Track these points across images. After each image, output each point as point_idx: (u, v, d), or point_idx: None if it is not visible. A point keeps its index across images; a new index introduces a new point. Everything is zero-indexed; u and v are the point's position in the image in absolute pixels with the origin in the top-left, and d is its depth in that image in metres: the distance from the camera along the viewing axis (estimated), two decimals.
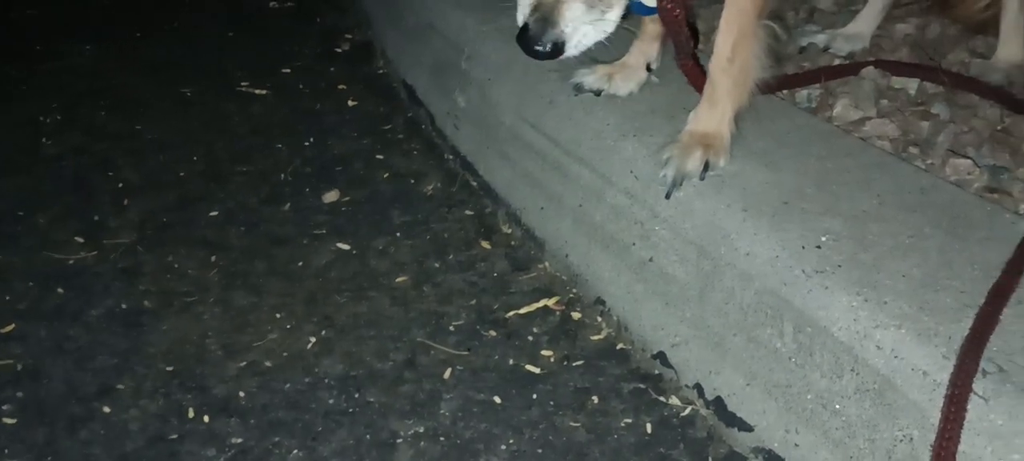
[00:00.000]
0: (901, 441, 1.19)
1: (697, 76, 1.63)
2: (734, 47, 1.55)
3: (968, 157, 1.62)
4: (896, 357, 1.21)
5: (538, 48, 1.36)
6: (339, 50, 2.67)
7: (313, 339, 1.66)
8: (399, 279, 1.81)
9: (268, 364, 1.60)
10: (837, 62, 1.97)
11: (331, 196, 2.04)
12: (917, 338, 1.20)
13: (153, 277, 1.81)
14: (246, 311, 1.73)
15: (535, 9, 1.35)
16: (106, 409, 1.52)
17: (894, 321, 1.23)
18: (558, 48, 1.36)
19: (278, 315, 1.72)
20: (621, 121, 1.72)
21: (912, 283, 1.29)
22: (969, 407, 1.11)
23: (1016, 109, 1.74)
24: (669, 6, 1.54)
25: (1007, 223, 1.41)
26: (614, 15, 1.40)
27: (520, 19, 1.38)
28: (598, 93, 1.79)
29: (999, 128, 1.72)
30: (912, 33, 2.08)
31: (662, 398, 1.52)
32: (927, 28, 2.09)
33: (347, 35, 2.73)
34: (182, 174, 2.13)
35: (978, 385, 1.13)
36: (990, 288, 1.25)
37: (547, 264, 1.82)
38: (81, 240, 1.91)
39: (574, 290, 1.75)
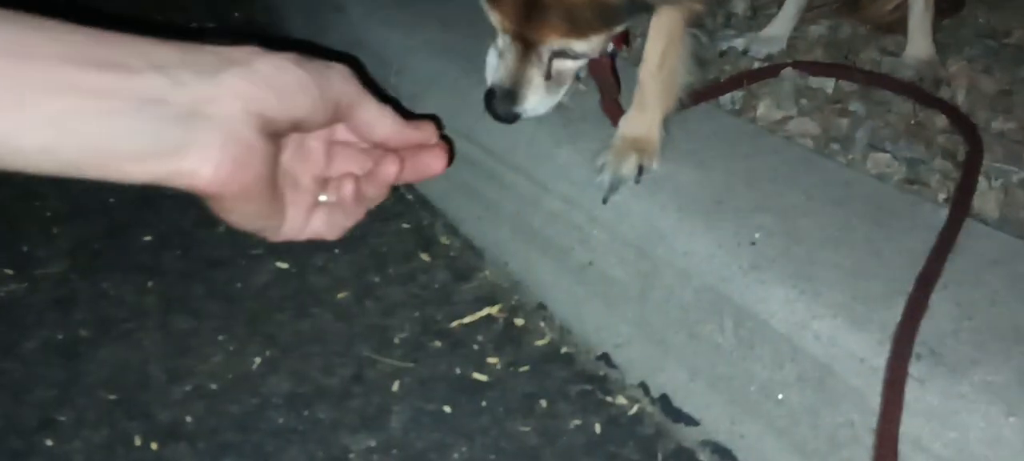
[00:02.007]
0: (842, 426, 1.24)
1: (616, 115, 1.68)
2: (663, 54, 1.60)
3: (886, 151, 1.70)
4: (833, 345, 1.26)
5: (499, 114, 1.55)
6: None
7: (258, 359, 1.65)
8: (340, 295, 1.81)
9: (213, 387, 1.59)
10: (756, 65, 2.04)
11: None
12: (852, 326, 1.26)
13: (88, 306, 1.78)
14: (187, 335, 1.71)
15: (502, 85, 1.52)
16: (48, 442, 1.49)
17: (829, 311, 1.29)
18: (516, 117, 1.55)
19: (220, 337, 1.70)
20: (554, 129, 1.75)
21: (844, 274, 1.35)
22: (906, 390, 1.17)
23: (927, 103, 1.83)
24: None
25: (928, 212, 1.48)
26: (563, 90, 1.57)
27: (488, 80, 1.55)
28: None
29: (913, 122, 1.80)
30: (825, 34, 2.17)
31: (609, 398, 1.56)
32: (839, 29, 2.18)
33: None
34: (111, 200, 2.09)
35: (913, 368, 1.19)
36: (917, 275, 1.31)
37: (488, 272, 1.84)
38: (10, 272, 1.87)
39: (516, 297, 1.78)
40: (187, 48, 0.75)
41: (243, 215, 0.83)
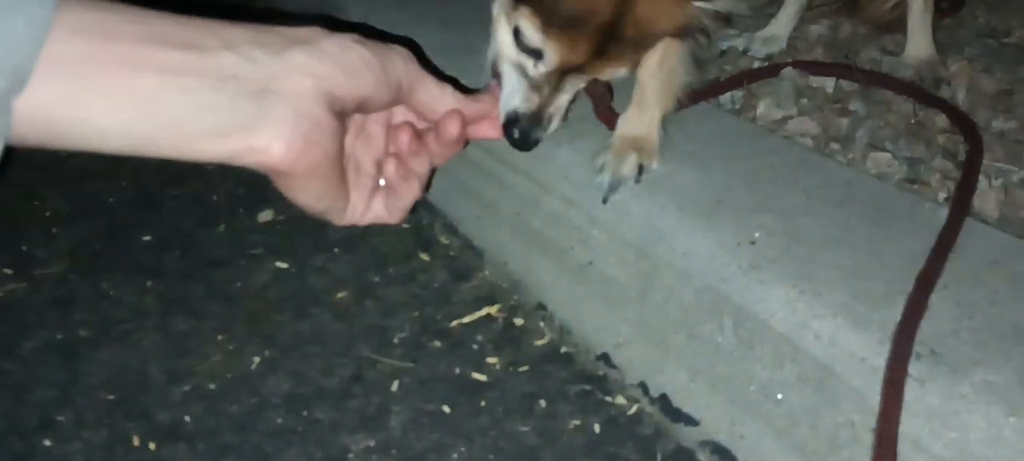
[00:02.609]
0: (843, 426, 1.24)
1: (612, 122, 1.67)
2: (662, 54, 1.60)
3: (887, 150, 1.70)
4: (834, 345, 1.26)
5: (527, 143, 1.44)
6: None
7: (257, 359, 1.65)
8: (340, 295, 1.81)
9: (212, 387, 1.59)
10: (756, 64, 2.03)
11: (266, 216, 2.04)
12: (853, 326, 1.26)
13: (88, 306, 1.78)
14: (186, 335, 1.71)
15: (530, 111, 1.43)
16: (47, 442, 1.49)
17: (830, 311, 1.29)
18: (538, 143, 1.47)
19: (219, 337, 1.70)
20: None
21: (844, 274, 1.35)
22: (906, 390, 1.17)
23: (927, 102, 1.83)
24: None
25: (928, 212, 1.48)
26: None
27: (513, 106, 1.43)
28: None
29: (913, 121, 1.80)
30: (825, 34, 2.17)
31: (608, 398, 1.56)
32: (839, 29, 2.18)
33: None
34: (111, 201, 2.09)
35: (913, 368, 1.18)
36: (917, 275, 1.31)
37: (487, 272, 1.84)
38: (10, 272, 1.87)
39: (515, 297, 1.77)
40: (256, 28, 0.77)
41: (310, 194, 0.87)
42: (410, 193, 1.00)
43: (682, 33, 1.50)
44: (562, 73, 1.43)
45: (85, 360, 1.66)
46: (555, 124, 1.50)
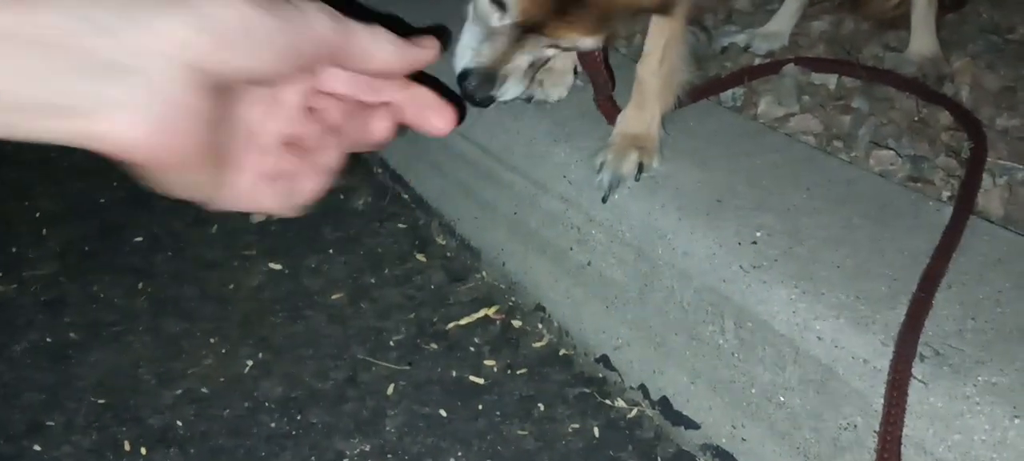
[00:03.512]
0: (845, 429, 1.22)
1: (612, 114, 1.66)
2: (663, 50, 1.57)
3: (890, 148, 1.67)
4: (836, 346, 1.23)
5: (477, 98, 1.42)
6: None
7: (250, 362, 1.63)
8: (334, 296, 1.78)
9: (205, 391, 1.57)
10: (758, 61, 2.01)
11: (259, 216, 2.01)
12: (855, 327, 1.23)
13: (78, 308, 1.76)
14: (178, 338, 1.69)
15: (482, 68, 1.40)
16: (36, 447, 1.47)
17: (832, 311, 1.26)
18: (492, 101, 1.44)
19: (212, 340, 1.68)
20: (552, 127, 1.73)
21: (846, 273, 1.32)
22: (910, 391, 1.15)
23: (931, 100, 1.80)
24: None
25: (931, 211, 1.45)
26: (509, 86, 1.46)
27: (465, 62, 1.41)
28: (528, 100, 1.79)
29: (916, 119, 1.77)
30: (827, 30, 2.14)
31: (608, 401, 1.53)
32: (841, 25, 2.15)
33: None
34: (102, 201, 2.07)
35: (917, 369, 1.16)
36: (921, 274, 1.29)
37: (484, 273, 1.82)
38: None
39: (513, 298, 1.75)
40: None
41: (174, 184, 0.67)
42: (310, 184, 0.77)
43: (661, 8, 1.46)
44: (523, 29, 1.37)
45: (75, 363, 1.63)
46: (511, 88, 1.44)
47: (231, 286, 1.82)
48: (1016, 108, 1.79)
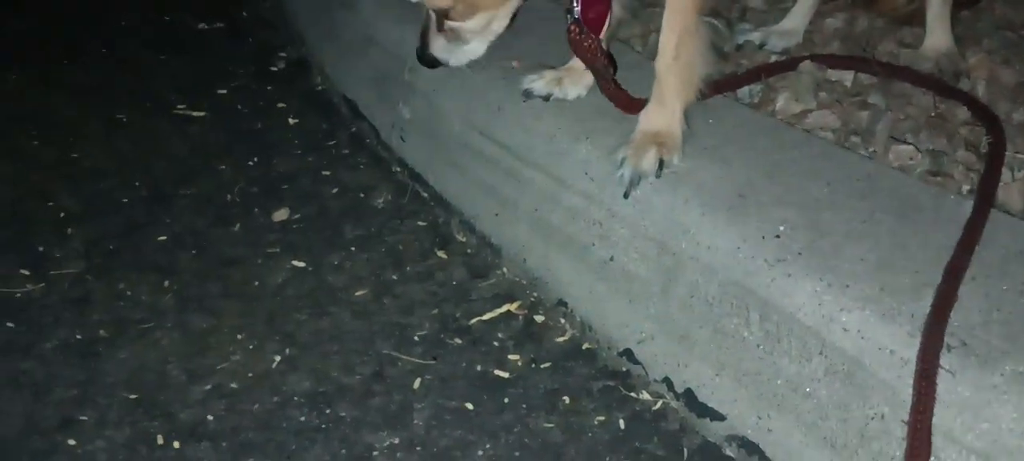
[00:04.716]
0: (873, 419, 1.23)
1: (620, 98, 1.70)
2: (678, 45, 1.59)
3: (908, 143, 1.69)
4: (863, 338, 1.25)
5: (422, 60, 1.86)
6: (275, 68, 2.63)
7: (277, 358, 1.65)
8: (358, 293, 1.80)
9: (234, 386, 1.58)
10: (773, 58, 2.02)
11: (281, 214, 2.03)
12: (881, 318, 1.25)
13: (105, 305, 1.77)
14: (205, 334, 1.70)
15: (421, 38, 1.83)
16: (71, 442, 1.48)
17: (857, 304, 1.28)
18: (435, 62, 1.84)
19: (239, 336, 1.70)
20: (572, 124, 1.75)
21: (870, 266, 1.34)
22: (938, 381, 1.16)
23: (947, 95, 1.82)
24: (578, 38, 1.62)
25: (952, 205, 1.47)
26: (474, 47, 1.81)
27: None
28: (547, 98, 1.81)
29: (933, 114, 1.79)
30: (842, 27, 2.15)
31: (632, 394, 1.55)
32: (855, 22, 2.17)
33: (281, 53, 2.70)
34: (125, 200, 2.08)
35: (944, 360, 1.18)
36: (945, 267, 1.30)
37: (506, 269, 1.83)
38: (26, 273, 1.86)
39: (535, 293, 1.77)
40: None
41: None
42: None
43: None
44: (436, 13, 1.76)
45: (104, 360, 1.65)
46: (435, 48, 1.81)
47: (255, 283, 1.83)
48: None
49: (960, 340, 1.20)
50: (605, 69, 1.70)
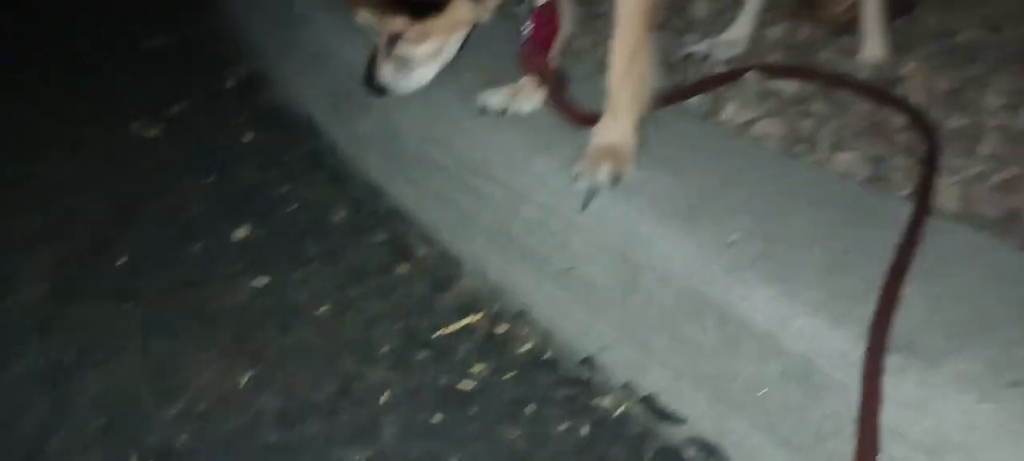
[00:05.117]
0: (827, 418, 1.30)
1: (572, 114, 1.75)
2: (628, 60, 1.64)
3: (850, 150, 1.76)
4: (815, 341, 1.31)
5: (369, 86, 1.83)
6: (230, 84, 2.64)
7: (244, 377, 1.67)
8: (321, 309, 1.83)
9: (203, 407, 1.61)
10: (719, 69, 2.08)
11: (241, 232, 2.05)
12: (832, 322, 1.31)
13: (69, 329, 1.79)
14: (172, 355, 1.72)
15: (367, 65, 1.81)
16: None
17: (809, 308, 1.34)
18: (383, 90, 1.82)
19: (205, 356, 1.72)
20: (529, 138, 1.79)
21: (820, 271, 1.40)
22: (884, 381, 1.23)
23: (886, 103, 1.89)
24: (531, 57, 1.67)
25: (894, 208, 1.53)
26: (422, 73, 1.79)
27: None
28: (503, 112, 1.85)
29: (872, 121, 1.86)
30: (783, 36, 2.23)
31: (595, 401, 1.60)
32: (796, 31, 2.24)
33: (236, 67, 2.70)
34: (87, 221, 2.09)
35: (890, 360, 1.24)
36: (889, 270, 1.37)
37: (467, 281, 1.87)
38: None
39: (497, 304, 1.81)
40: None
41: None
42: None
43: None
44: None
45: (71, 385, 1.66)
46: (395, 82, 1.79)
47: (219, 302, 1.85)
48: (965, 108, 1.89)
49: (905, 341, 1.27)
50: (554, 85, 1.75)
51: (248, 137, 2.40)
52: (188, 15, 3.00)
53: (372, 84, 1.83)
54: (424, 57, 1.78)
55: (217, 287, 1.90)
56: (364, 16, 1.70)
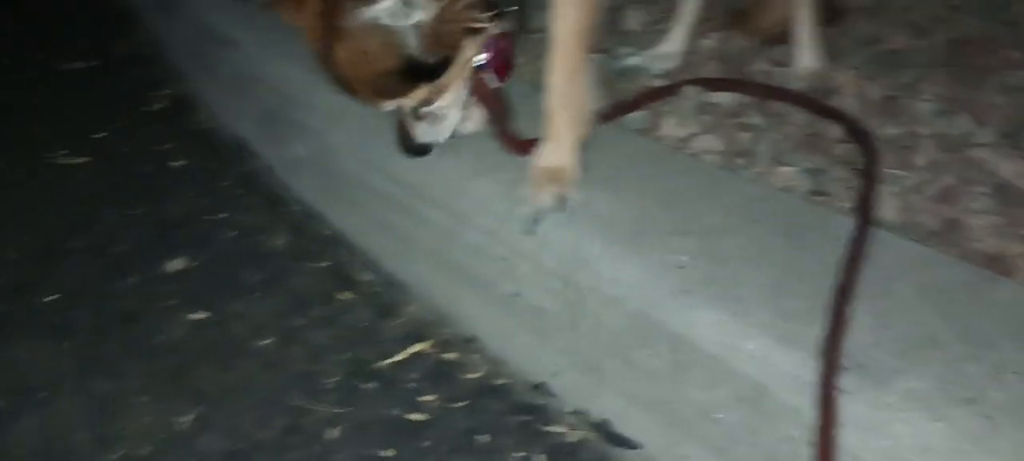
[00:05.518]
0: (781, 441, 1.31)
1: (513, 144, 1.73)
2: (567, 82, 1.63)
3: (790, 164, 1.77)
4: (766, 364, 1.32)
5: (411, 152, 1.72)
6: (155, 108, 2.58)
7: (187, 417, 1.63)
8: (264, 342, 1.79)
9: (146, 450, 1.56)
10: (655, 83, 2.08)
11: (177, 264, 2.00)
12: (782, 344, 1.32)
13: (2, 373, 1.72)
14: (111, 397, 1.67)
15: (399, 133, 1.70)
16: None
17: (759, 330, 1.35)
18: (426, 149, 1.72)
19: (145, 397, 1.67)
20: (471, 160, 1.77)
21: (767, 292, 1.41)
22: (838, 403, 1.24)
23: (822, 114, 1.91)
24: (484, 87, 1.66)
25: (836, 223, 1.55)
26: (453, 116, 1.70)
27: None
28: None
29: (809, 133, 1.88)
30: (717, 47, 2.24)
31: (549, 427, 1.59)
32: (729, 42, 2.26)
33: (162, 91, 2.64)
34: (13, 257, 2.01)
35: (842, 381, 1.25)
36: (836, 289, 1.38)
37: (413, 308, 1.85)
38: None
39: (445, 330, 1.79)
40: None
41: None
42: None
43: None
44: None
45: (6, 431, 1.60)
46: (423, 134, 1.70)
47: (157, 339, 1.80)
48: (898, 116, 1.92)
49: (855, 361, 1.28)
50: (501, 114, 1.73)
51: (178, 163, 2.34)
52: (107, 37, 2.91)
53: (413, 148, 1.74)
54: (450, 104, 1.70)
55: (154, 323, 1.85)
56: (393, 104, 1.65)
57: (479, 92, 1.71)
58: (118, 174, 2.29)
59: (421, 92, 1.63)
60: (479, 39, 1.65)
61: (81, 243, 2.06)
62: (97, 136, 2.44)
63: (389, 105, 1.65)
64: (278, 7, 1.58)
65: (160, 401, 1.66)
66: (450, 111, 1.71)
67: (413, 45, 1.52)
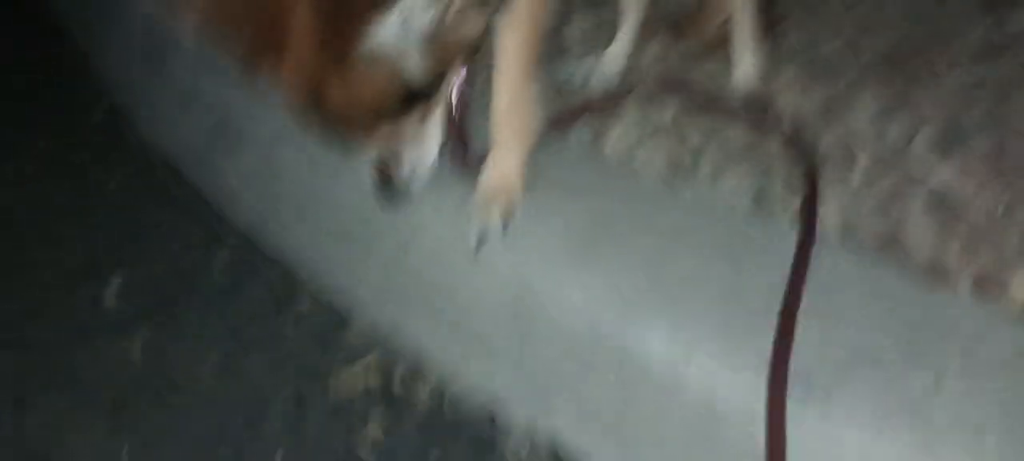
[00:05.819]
0: (731, 459, 1.31)
1: (466, 161, 1.69)
2: (513, 98, 1.62)
3: (730, 177, 1.77)
4: (713, 385, 1.32)
5: (388, 199, 1.56)
6: (88, 123, 2.47)
7: (126, 455, 1.57)
8: (204, 370, 1.74)
9: None
10: (600, 94, 2.07)
11: (112, 288, 1.93)
12: (729, 362, 1.32)
13: None
14: (46, 434, 1.61)
15: (380, 175, 1.53)
16: None
17: (705, 349, 1.35)
18: (407, 192, 1.55)
19: (79, 439, 1.61)
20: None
21: (713, 310, 1.41)
22: (787, 423, 1.24)
23: (760, 127, 1.92)
24: (453, 119, 1.62)
25: (780, 236, 1.55)
26: (431, 144, 1.56)
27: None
28: None
29: (749, 144, 1.89)
30: (658, 55, 2.23)
31: (500, 452, 1.57)
32: (670, 50, 2.25)
33: (95, 105, 2.52)
34: None
35: (791, 401, 1.25)
36: (780, 308, 1.38)
37: (358, 331, 1.81)
38: None
39: (391, 355, 1.75)
40: None
41: None
42: None
43: None
44: None
45: None
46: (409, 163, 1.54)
47: (92, 371, 1.74)
48: (836, 125, 1.93)
49: (802, 378, 1.28)
50: (458, 141, 1.70)
51: (112, 182, 2.25)
52: (34, 46, 2.80)
53: (395, 191, 1.56)
54: (434, 126, 1.57)
55: (89, 354, 1.79)
56: (385, 135, 1.49)
57: (458, 105, 1.66)
58: (45, 200, 2.20)
59: (414, 117, 1.49)
60: (475, 46, 1.51)
61: (5, 277, 1.97)
62: (21, 159, 2.34)
63: (381, 139, 1.50)
64: (254, 63, 1.35)
65: (97, 439, 1.60)
66: (432, 132, 1.57)
67: (412, 65, 1.46)
